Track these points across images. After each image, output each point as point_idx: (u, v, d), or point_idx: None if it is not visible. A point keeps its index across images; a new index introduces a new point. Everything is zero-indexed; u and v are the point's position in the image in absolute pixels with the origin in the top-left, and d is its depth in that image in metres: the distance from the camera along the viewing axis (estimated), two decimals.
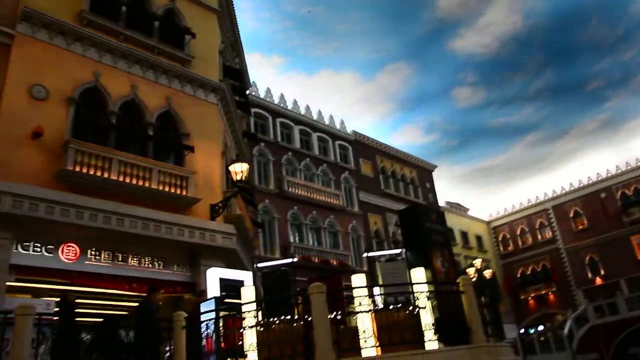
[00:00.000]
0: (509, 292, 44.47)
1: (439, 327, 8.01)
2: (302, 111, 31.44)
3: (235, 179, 14.17)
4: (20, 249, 11.73)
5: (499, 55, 78.11)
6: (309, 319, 7.43)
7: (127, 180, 13.16)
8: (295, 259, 12.59)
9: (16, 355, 6.84)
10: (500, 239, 47.28)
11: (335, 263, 26.82)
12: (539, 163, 79.91)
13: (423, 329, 7.92)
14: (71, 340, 9.89)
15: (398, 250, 10.26)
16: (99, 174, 12.70)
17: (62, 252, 12.25)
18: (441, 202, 42.14)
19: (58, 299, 11.21)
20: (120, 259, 13.15)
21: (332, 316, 7.56)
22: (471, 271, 27.69)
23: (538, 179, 77.63)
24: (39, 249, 11.98)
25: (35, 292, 12.91)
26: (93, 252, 12.74)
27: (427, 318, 8.05)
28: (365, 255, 9.15)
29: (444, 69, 80.00)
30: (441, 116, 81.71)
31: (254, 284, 10.01)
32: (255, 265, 9.64)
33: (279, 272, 8.44)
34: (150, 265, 13.64)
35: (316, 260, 26.10)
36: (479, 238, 45.57)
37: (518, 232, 46.23)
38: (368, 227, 31.44)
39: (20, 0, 13.19)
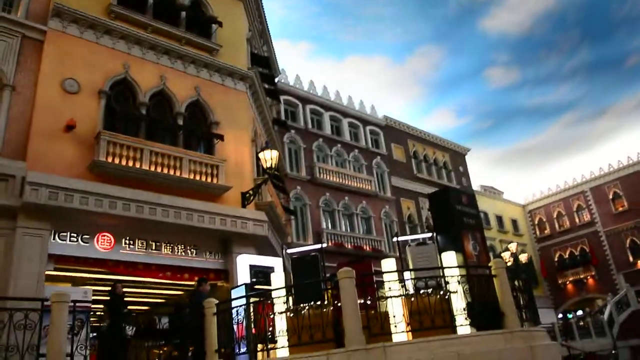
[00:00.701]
0: (547, 276, 43.64)
1: (471, 312, 7.89)
2: (332, 97, 31.30)
3: (265, 167, 14.20)
4: (57, 239, 12.03)
5: (532, 33, 76.27)
6: (339, 304, 7.42)
7: (159, 169, 13.33)
8: (324, 245, 12.48)
9: (54, 341, 7.03)
10: (536, 222, 46.29)
11: (368, 249, 26.76)
12: (576, 144, 77.99)
13: (454, 314, 7.80)
14: (119, 330, 10.15)
15: (428, 234, 10.11)
16: (130, 164, 12.91)
17: (98, 241, 12.52)
18: (475, 186, 41.51)
19: (98, 288, 11.57)
20: (154, 248, 13.37)
21: (362, 301, 7.51)
22: (506, 255, 27.27)
23: (575, 160, 75.80)
24: (75, 239, 12.27)
25: (74, 281, 13.33)
26: (127, 241, 12.98)
27: (458, 302, 7.93)
28: (395, 239, 9.02)
29: (475, 49, 78.63)
30: (474, 98, 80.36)
31: (284, 270, 10.01)
32: (284, 252, 9.63)
33: (308, 257, 8.42)
34: (183, 253, 13.83)
35: (349, 247, 26.08)
36: (514, 222, 44.77)
37: (555, 215, 45.18)
38: (401, 212, 31.23)
39: None
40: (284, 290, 7.98)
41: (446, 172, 37.17)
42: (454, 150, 38.99)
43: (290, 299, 8.05)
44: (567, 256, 43.49)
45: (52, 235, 11.92)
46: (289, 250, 10.26)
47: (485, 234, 37.52)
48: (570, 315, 38.32)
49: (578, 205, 43.90)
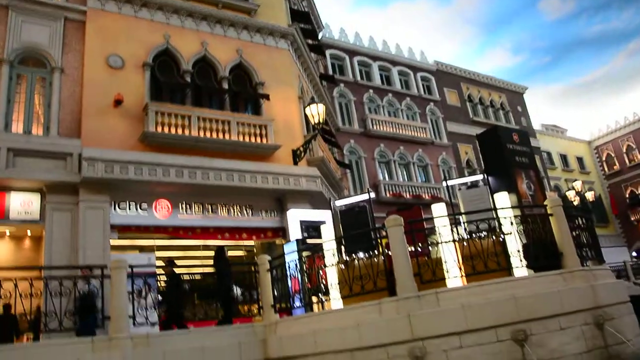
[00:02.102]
0: (618, 214, 41.69)
1: (528, 253, 7.64)
2: (380, 47, 30.51)
3: (312, 122, 14.12)
4: (118, 210, 12.54)
5: None
6: (389, 253, 7.36)
7: (208, 134, 13.53)
8: (372, 194, 12.36)
9: (115, 306, 7.37)
10: (604, 158, 43.92)
11: (427, 197, 26.38)
12: None
13: (510, 256, 7.57)
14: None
15: (479, 177, 9.78)
16: (180, 132, 13.17)
17: (156, 209, 12.95)
18: (536, 125, 39.87)
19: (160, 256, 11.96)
20: (210, 211, 13.71)
21: (413, 249, 7.42)
22: (571, 194, 26.28)
23: None
24: (134, 208, 12.74)
25: (140, 249, 13.88)
26: (184, 207, 13.37)
27: (513, 244, 7.68)
28: (444, 184, 8.79)
29: None
30: (529, 33, 76.21)
31: (334, 222, 10.00)
32: (332, 204, 9.61)
33: (357, 208, 8.36)
34: (239, 214, 14.11)
35: (408, 196, 25.80)
36: (579, 160, 42.71)
37: (624, 150, 42.66)
38: (459, 157, 30.49)
39: None
40: (334, 242, 7.99)
41: (504, 113, 35.80)
42: (510, 90, 37.39)
43: (342, 251, 8.07)
44: (639, 192, 41.36)
45: (113, 207, 12.43)
46: (337, 203, 10.17)
47: (550, 174, 36.18)
48: None
49: None
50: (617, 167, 42.83)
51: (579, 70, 78.38)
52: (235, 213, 14.07)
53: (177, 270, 10.40)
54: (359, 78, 28.09)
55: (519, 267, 7.56)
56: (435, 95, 31.50)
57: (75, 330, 8.51)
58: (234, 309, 10.12)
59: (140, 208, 12.81)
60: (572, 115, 76.72)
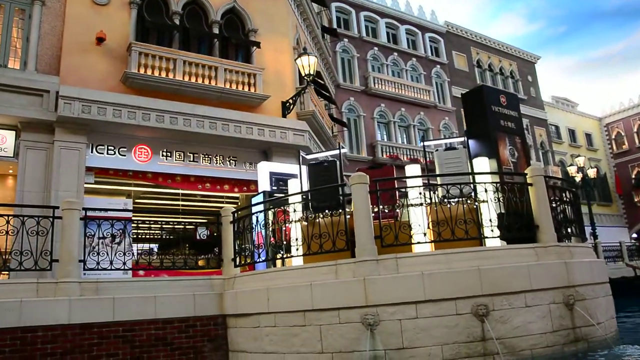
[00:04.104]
0: (622, 193, 41.01)
1: (502, 224, 7.22)
2: (388, 2, 29.46)
3: (302, 73, 13.55)
4: (95, 152, 12.18)
5: None
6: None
7: (193, 79, 13.02)
8: (344, 149, 11.92)
9: (64, 249, 7.07)
10: (613, 136, 42.92)
11: (425, 161, 25.89)
12: None
13: (483, 225, 7.16)
14: None
15: (461, 139, 9.28)
16: (163, 75, 12.66)
17: (135, 153, 12.57)
18: (546, 97, 38.91)
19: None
20: (192, 159, 13.32)
21: (380, 209, 7.00)
22: (572, 169, 25.70)
23: None
24: (112, 152, 12.38)
25: (120, 194, 13.58)
26: (165, 153, 12.97)
27: (488, 213, 7.25)
28: (422, 144, 8.28)
29: None
30: (546, 0, 73.48)
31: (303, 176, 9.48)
32: (299, 157, 9.17)
33: (326, 163, 7.89)
34: (222, 165, 13.71)
35: (405, 159, 25.33)
36: (588, 136, 41.81)
37: (635, 129, 41.63)
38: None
39: None
40: (298, 197, 7.60)
41: (513, 82, 34.88)
42: (522, 58, 36.30)
43: (308, 208, 7.69)
44: None
45: (90, 149, 12.08)
46: (308, 156, 9.73)
47: (556, 148, 35.48)
48: None
49: None
50: (625, 146, 41.96)
51: (596, 43, 76.09)
52: (218, 163, 13.68)
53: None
54: (364, 34, 27.22)
55: (492, 238, 7.16)
56: (443, 58, 30.61)
57: None
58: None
59: (119, 152, 12.44)
60: (585, 89, 75.00)
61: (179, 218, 12.21)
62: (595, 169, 28.33)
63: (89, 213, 8.06)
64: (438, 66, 30.07)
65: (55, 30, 12.22)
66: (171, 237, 12.75)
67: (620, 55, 73.09)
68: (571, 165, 27.85)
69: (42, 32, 12.10)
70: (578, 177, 27.48)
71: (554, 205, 7.88)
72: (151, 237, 13.16)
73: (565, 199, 8.41)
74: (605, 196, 39.87)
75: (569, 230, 8.39)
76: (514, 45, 36.16)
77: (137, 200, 13.82)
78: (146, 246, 12.67)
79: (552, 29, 73.42)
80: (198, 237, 13.41)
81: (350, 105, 25.04)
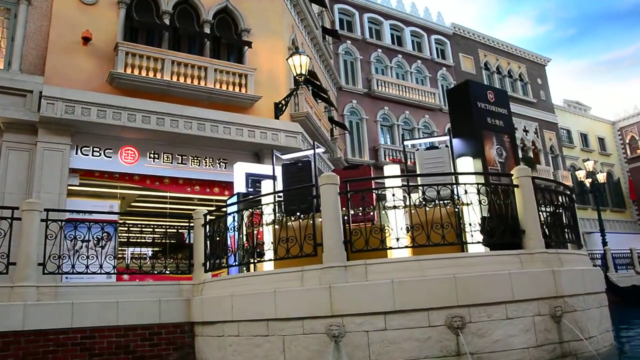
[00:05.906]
0: (635, 199, 40.03)
1: (486, 228, 6.76)
2: (393, 4, 29.03)
3: (294, 73, 13.22)
4: (80, 154, 11.93)
5: None
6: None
7: (182, 80, 12.74)
8: (321, 149, 11.52)
9: (22, 251, 6.75)
10: (627, 140, 41.90)
11: (412, 162, 25.42)
12: None
13: (464, 230, 6.70)
14: None
15: (445, 138, 8.83)
16: (151, 75, 12.39)
17: (121, 155, 12.29)
18: (557, 101, 38.13)
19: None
20: (180, 161, 13.03)
21: (350, 212, 6.58)
22: (580, 174, 25.04)
23: None
24: (98, 153, 12.12)
25: (105, 197, 13.28)
26: (152, 155, 12.69)
27: (470, 217, 6.80)
28: (404, 143, 7.81)
29: None
30: (555, 2, 72.30)
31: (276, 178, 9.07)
32: (273, 158, 8.79)
33: (299, 163, 7.50)
34: (211, 167, 13.40)
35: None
36: (601, 140, 40.88)
37: None
38: None
39: None
40: (268, 198, 7.21)
41: (522, 85, 34.22)
42: (531, 60, 35.61)
43: (282, 209, 7.31)
44: None
45: (75, 150, 11.84)
46: (284, 157, 9.35)
47: (567, 152, 34.72)
48: None
49: None
50: None
51: (606, 46, 74.77)
52: (208, 165, 13.37)
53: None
54: (367, 36, 26.82)
55: (473, 244, 6.70)
56: (449, 60, 30.10)
57: None
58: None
59: (105, 154, 12.16)
60: (595, 93, 73.73)
61: (159, 221, 11.85)
62: (605, 174, 27.61)
63: (70, 215, 7.78)
64: (444, 68, 29.58)
65: (41, 30, 12.03)
66: (158, 241, 12.42)
67: (631, 59, 71.79)
68: (580, 169, 27.16)
69: (27, 31, 11.92)
70: (587, 182, 26.83)
71: (543, 208, 7.41)
72: (136, 240, 12.85)
73: (558, 202, 7.94)
74: (618, 202, 38.95)
75: (564, 236, 7.92)
76: (522, 47, 35.51)
77: (132, 204, 13.57)
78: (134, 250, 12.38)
79: (561, 31, 72.38)
80: (187, 242, 13.04)
81: (352, 107, 24.63)
